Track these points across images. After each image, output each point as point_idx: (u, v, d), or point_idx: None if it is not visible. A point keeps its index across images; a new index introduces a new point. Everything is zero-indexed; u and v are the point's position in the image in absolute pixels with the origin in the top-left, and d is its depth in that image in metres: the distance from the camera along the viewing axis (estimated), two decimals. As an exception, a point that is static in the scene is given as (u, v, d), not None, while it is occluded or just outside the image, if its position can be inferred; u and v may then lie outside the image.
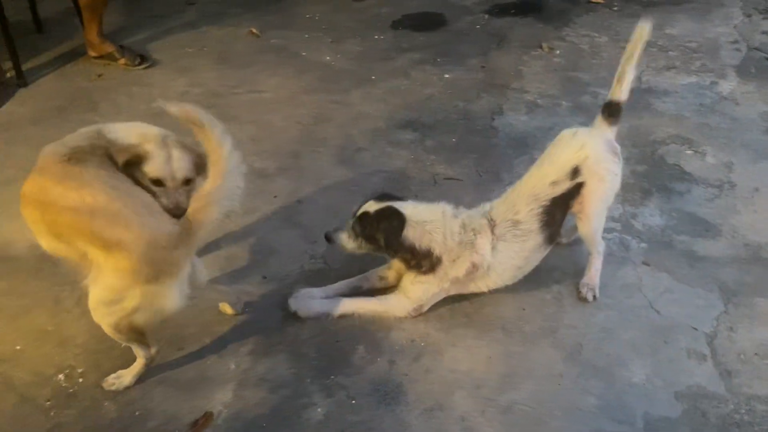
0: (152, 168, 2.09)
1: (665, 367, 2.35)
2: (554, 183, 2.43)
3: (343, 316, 2.49)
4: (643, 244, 2.86)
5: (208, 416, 2.16)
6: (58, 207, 1.92)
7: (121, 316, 2.00)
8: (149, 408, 2.18)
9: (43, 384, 2.24)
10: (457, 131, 3.63)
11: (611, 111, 2.50)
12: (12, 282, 2.62)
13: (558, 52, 4.46)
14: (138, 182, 2.09)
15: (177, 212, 2.07)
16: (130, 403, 2.19)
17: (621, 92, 2.49)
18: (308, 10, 4.98)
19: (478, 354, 2.39)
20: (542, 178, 2.46)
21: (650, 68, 4.24)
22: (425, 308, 2.50)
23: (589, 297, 2.58)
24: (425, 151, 3.47)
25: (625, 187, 3.19)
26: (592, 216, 2.50)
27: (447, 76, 4.17)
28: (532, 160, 3.34)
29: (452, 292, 2.51)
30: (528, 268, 2.54)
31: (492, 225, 2.42)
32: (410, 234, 2.36)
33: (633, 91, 3.89)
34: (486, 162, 3.38)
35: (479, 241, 2.40)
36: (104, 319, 2.03)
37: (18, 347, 2.37)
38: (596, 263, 2.62)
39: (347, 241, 2.45)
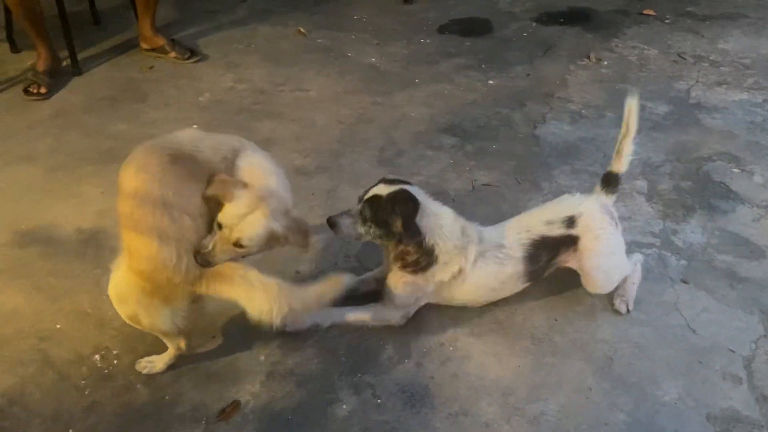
0: (224, 212, 1.97)
1: (699, 388, 2.30)
2: (549, 222, 2.44)
3: (333, 326, 2.46)
4: (683, 262, 2.80)
5: (235, 405, 2.20)
6: (124, 185, 1.95)
7: (129, 314, 2.07)
8: (179, 393, 2.23)
9: (80, 363, 2.31)
10: (499, 138, 3.62)
11: (610, 181, 2.53)
12: (57, 263, 2.71)
13: (606, 63, 4.40)
14: (211, 215, 2.00)
15: (198, 257, 1.95)
16: (162, 387, 2.25)
17: (621, 165, 2.51)
18: (356, 12, 5.02)
19: (507, 362, 2.38)
20: (538, 216, 2.49)
21: (700, 83, 4.16)
22: (411, 313, 2.46)
23: (623, 309, 2.53)
24: (465, 156, 3.46)
25: (667, 202, 3.15)
26: (594, 274, 2.46)
27: (491, 82, 4.15)
28: (573, 171, 3.35)
29: (432, 300, 2.47)
30: (501, 294, 2.51)
31: (480, 239, 2.41)
32: (424, 223, 2.29)
33: (681, 105, 3.90)
34: (526, 170, 3.36)
35: (470, 247, 2.38)
36: (118, 309, 2.10)
37: (58, 326, 2.45)
38: (633, 276, 2.58)
39: (352, 227, 2.28)
